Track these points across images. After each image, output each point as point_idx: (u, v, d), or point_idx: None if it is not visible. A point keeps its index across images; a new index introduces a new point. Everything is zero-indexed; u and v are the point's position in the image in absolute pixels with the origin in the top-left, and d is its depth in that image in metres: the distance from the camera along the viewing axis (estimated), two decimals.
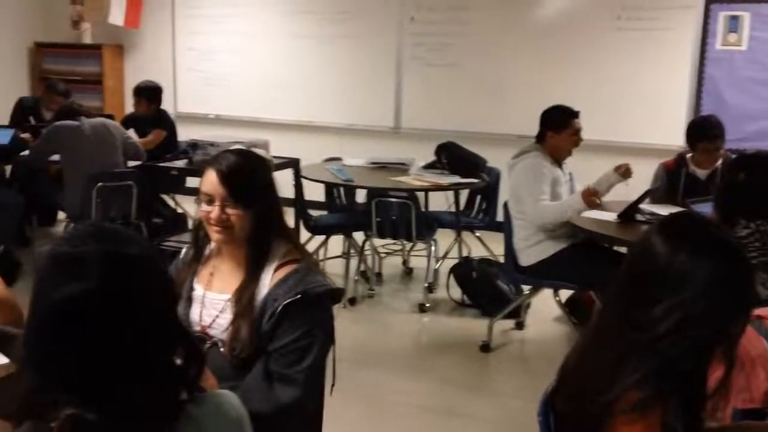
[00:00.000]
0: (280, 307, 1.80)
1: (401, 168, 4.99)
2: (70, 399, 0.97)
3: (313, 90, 7.08)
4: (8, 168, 5.99)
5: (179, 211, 6.02)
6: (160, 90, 6.00)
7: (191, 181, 5.40)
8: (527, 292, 4.15)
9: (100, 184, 4.78)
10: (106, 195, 4.84)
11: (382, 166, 5.12)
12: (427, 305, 4.63)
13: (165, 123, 5.97)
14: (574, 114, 3.86)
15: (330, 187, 5.18)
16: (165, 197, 6.02)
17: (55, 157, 5.04)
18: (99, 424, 0.97)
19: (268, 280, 1.87)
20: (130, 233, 1.07)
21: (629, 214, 3.58)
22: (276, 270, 1.87)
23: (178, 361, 1.09)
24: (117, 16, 7.27)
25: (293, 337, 1.80)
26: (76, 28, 7.83)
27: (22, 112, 6.07)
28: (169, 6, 7.53)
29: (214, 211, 1.85)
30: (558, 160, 3.89)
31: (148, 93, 5.92)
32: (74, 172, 4.85)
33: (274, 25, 7.15)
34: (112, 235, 1.03)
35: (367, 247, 4.99)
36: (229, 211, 1.85)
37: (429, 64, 6.64)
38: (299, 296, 1.80)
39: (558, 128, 3.81)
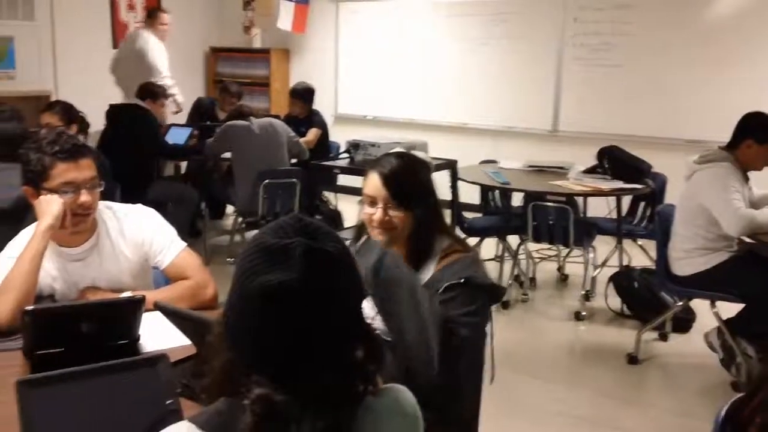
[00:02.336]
0: (441, 288, 1.81)
1: (559, 172, 4.87)
2: (262, 379, 1.02)
3: (470, 91, 7.07)
4: (183, 165, 6.47)
5: (332, 207, 6.22)
6: (314, 92, 6.22)
7: (344, 179, 5.57)
8: (680, 303, 3.92)
9: (267, 180, 5.04)
10: (272, 191, 5.09)
11: (539, 170, 5.01)
12: (584, 313, 4.48)
13: (318, 123, 6.17)
14: None
15: (485, 190, 5.14)
16: (323, 195, 6.24)
17: (226, 155, 5.35)
18: (287, 405, 1.00)
19: (431, 271, 1.89)
20: (329, 229, 1.10)
21: None
22: (439, 261, 1.89)
23: (359, 356, 1.12)
24: (285, 21, 7.62)
25: (456, 313, 1.80)
26: (247, 33, 8.29)
27: (199, 113, 6.51)
28: (333, 11, 7.80)
29: (377, 213, 1.88)
30: (746, 172, 3.55)
31: (305, 95, 6.16)
32: (244, 169, 5.14)
33: (434, 27, 7.21)
34: (314, 230, 1.07)
35: (521, 251, 4.91)
36: (392, 213, 1.88)
37: (590, 65, 6.43)
38: (462, 280, 1.80)
39: (764, 139, 3.46)
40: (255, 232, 5.22)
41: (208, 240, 5.77)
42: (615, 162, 4.67)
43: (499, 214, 5.17)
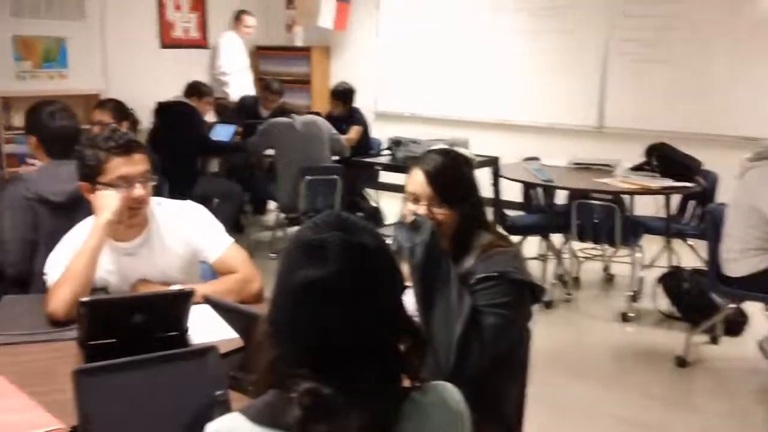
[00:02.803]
0: (474, 279, 1.80)
1: (605, 169, 4.80)
2: (308, 373, 1.03)
3: (512, 87, 7.02)
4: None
5: (373, 204, 6.23)
6: (354, 92, 6.23)
7: (385, 176, 5.57)
8: (732, 305, 3.83)
9: (308, 177, 5.08)
10: (314, 188, 5.12)
11: (584, 167, 4.95)
12: (631, 315, 4.41)
13: (359, 120, 6.18)
14: None
15: (528, 187, 5.10)
16: (364, 192, 6.26)
17: (269, 152, 5.41)
18: (334, 398, 1.02)
19: (470, 263, 1.88)
20: (366, 224, 1.12)
21: None
22: (480, 254, 1.88)
23: (402, 350, 1.12)
24: (326, 19, 7.66)
25: (483, 303, 1.79)
26: (289, 32, 8.36)
27: (243, 110, 6.59)
28: (374, 8, 7.81)
29: (421, 210, 1.88)
30: None
31: (345, 95, 6.17)
32: (286, 165, 5.19)
33: (476, 23, 7.17)
34: (351, 225, 1.09)
35: (565, 250, 4.86)
36: (436, 210, 1.87)
37: (638, 60, 6.32)
38: (496, 274, 1.79)
39: None
40: (296, 228, 5.28)
41: (251, 235, 5.84)
42: (664, 159, 4.58)
43: (542, 212, 5.12)
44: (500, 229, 2.05)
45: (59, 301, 1.99)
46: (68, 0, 6.66)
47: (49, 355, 1.85)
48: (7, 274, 2.59)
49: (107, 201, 2.07)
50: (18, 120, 6.23)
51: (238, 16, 7.55)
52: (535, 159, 5.32)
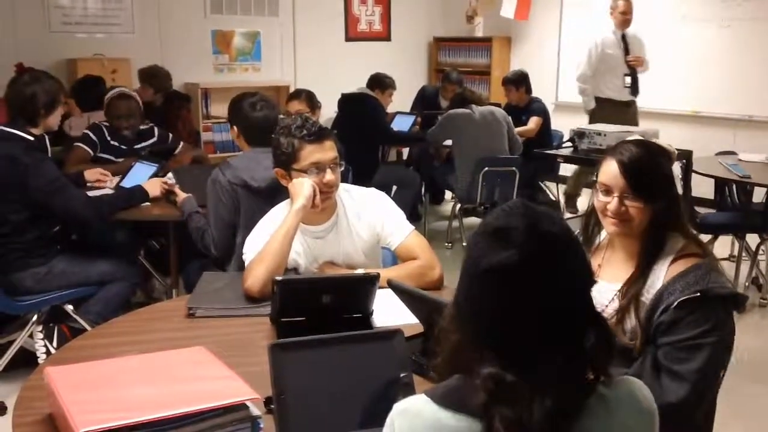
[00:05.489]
0: (676, 302, 1.70)
1: None
2: (493, 359, 1.04)
3: (706, 77, 6.55)
4: (405, 150, 6.69)
5: (552, 198, 6.09)
6: (526, 76, 6.07)
7: (566, 169, 5.41)
8: None
9: (486, 168, 5.06)
10: (491, 179, 5.09)
11: None
12: None
13: (539, 110, 6.03)
14: None
15: (722, 184, 4.75)
16: (542, 185, 6.13)
17: (447, 142, 5.45)
18: (518, 385, 1.02)
19: (662, 273, 1.77)
20: (553, 213, 1.12)
21: None
22: (672, 263, 1.77)
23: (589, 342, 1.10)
24: (508, 9, 7.56)
25: (689, 335, 1.69)
26: (469, 22, 8.35)
27: (422, 101, 6.69)
28: None
29: (612, 202, 1.80)
30: None
31: (517, 81, 6.03)
32: (464, 156, 5.20)
33: (668, 9, 6.76)
34: (538, 213, 1.09)
35: (761, 251, 4.49)
36: (628, 203, 1.79)
37: None
38: (698, 294, 1.68)
39: None
40: (472, 218, 5.27)
41: (427, 224, 5.92)
42: None
43: (737, 210, 4.76)
44: (694, 232, 1.90)
45: (255, 278, 2.12)
46: None
47: (243, 329, 1.99)
48: (212, 254, 2.82)
49: (302, 188, 2.19)
50: (216, 110, 6.74)
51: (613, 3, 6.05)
52: (731, 153, 4.96)
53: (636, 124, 5.92)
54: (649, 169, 1.80)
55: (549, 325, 1.05)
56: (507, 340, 1.05)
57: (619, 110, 5.93)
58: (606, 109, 5.94)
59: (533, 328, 1.05)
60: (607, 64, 5.99)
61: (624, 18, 5.94)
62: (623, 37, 5.97)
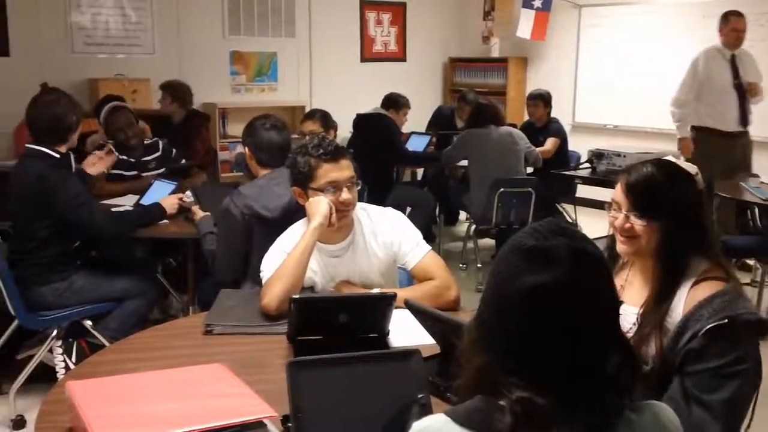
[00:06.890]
0: (704, 330, 1.68)
1: None
2: (521, 382, 1.03)
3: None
4: (419, 171, 6.70)
5: (570, 220, 6.05)
6: (550, 96, 6.09)
7: (583, 191, 5.37)
8: None
9: (502, 189, 5.04)
10: (507, 200, 5.08)
11: None
12: None
13: (557, 131, 6.03)
14: None
15: (743, 206, 4.71)
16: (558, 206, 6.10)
17: (462, 162, 5.45)
18: (547, 410, 1.01)
19: (684, 295, 1.75)
20: (584, 234, 1.11)
21: None
22: (693, 286, 1.75)
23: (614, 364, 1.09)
24: (524, 29, 7.57)
25: (718, 363, 1.66)
26: (485, 43, 8.38)
27: (438, 121, 6.70)
28: (575, 18, 7.62)
29: (619, 219, 1.81)
30: None
31: (550, 100, 6.05)
32: (480, 176, 5.18)
33: (686, 30, 6.74)
34: (573, 232, 1.09)
35: None
36: (633, 221, 1.79)
37: None
38: (726, 321, 1.66)
39: None
40: (486, 240, 5.16)
41: (441, 245, 5.91)
42: None
43: (759, 234, 4.71)
44: (722, 258, 1.87)
45: (272, 296, 2.13)
46: (280, 18, 7.16)
47: (260, 346, 1.99)
48: (217, 280, 2.85)
49: (319, 207, 2.21)
50: (232, 129, 6.79)
51: (724, 18, 5.35)
52: (754, 176, 4.90)
53: (748, 158, 5.28)
54: (655, 189, 1.79)
55: (583, 346, 1.04)
56: (538, 362, 1.04)
57: (726, 142, 5.23)
58: (709, 141, 5.23)
59: (566, 349, 1.03)
60: (711, 88, 5.25)
61: (737, 36, 5.18)
62: (732, 58, 5.26)
